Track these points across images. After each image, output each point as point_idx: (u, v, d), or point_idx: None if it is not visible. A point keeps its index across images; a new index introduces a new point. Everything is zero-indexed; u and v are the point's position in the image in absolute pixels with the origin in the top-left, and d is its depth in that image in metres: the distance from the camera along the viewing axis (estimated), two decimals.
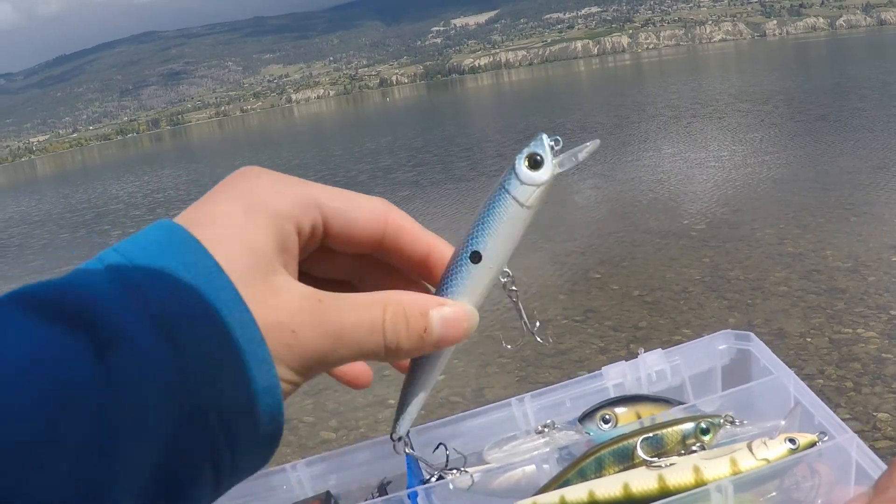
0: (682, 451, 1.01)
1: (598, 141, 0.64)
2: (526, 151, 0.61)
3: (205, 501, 0.47)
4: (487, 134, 25.73)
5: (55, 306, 0.42)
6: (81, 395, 0.39)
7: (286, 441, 5.33)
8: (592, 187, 12.54)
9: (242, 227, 0.49)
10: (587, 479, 1.06)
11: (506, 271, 0.66)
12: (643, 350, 1.43)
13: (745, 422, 1.06)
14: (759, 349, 1.21)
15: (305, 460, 1.45)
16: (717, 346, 1.30)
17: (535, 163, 0.61)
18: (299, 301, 0.49)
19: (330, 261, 0.60)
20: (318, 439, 5.28)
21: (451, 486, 1.16)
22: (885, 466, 0.55)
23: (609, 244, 8.76)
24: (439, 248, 0.62)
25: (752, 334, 1.10)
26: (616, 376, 1.40)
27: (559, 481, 1.11)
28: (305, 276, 0.56)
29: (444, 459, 1.17)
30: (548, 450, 1.23)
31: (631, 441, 1.05)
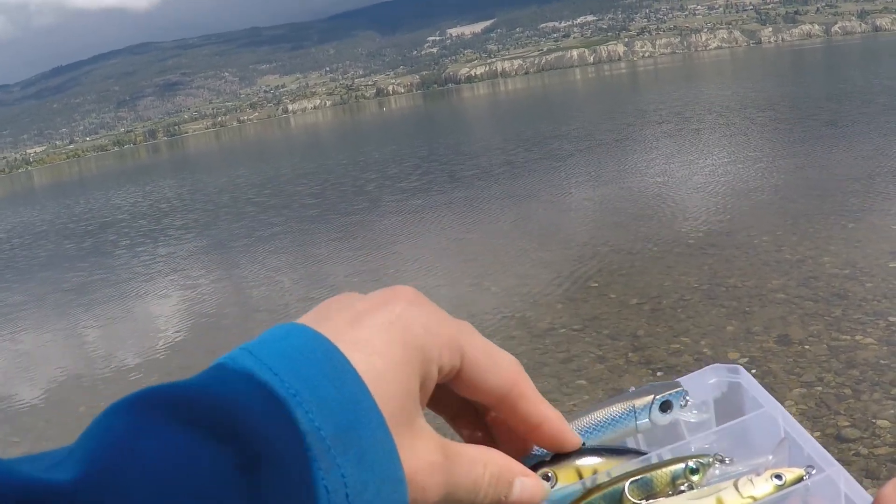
0: (671, 492, 1.02)
1: (710, 416, 0.79)
2: (662, 398, 0.76)
3: None
4: (493, 143, 25.76)
5: (196, 413, 0.41)
6: None
7: None
8: (589, 196, 12.56)
9: (399, 366, 0.48)
10: None
11: None
12: (633, 389, 1.43)
13: (733, 459, 1.06)
14: (749, 382, 1.21)
15: None
16: (708, 381, 1.29)
17: (664, 407, 0.76)
18: (433, 455, 0.50)
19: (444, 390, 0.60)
20: None
21: None
22: (870, 498, 0.57)
23: (606, 252, 8.76)
24: (552, 423, 0.64)
25: (740, 367, 1.10)
26: None
27: None
28: None
29: None
30: None
31: (619, 485, 1.05)
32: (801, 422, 1.10)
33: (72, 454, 0.38)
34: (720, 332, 5.75)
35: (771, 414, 1.04)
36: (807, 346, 5.17)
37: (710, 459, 1.01)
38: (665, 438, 1.16)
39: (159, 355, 8.28)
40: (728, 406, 1.20)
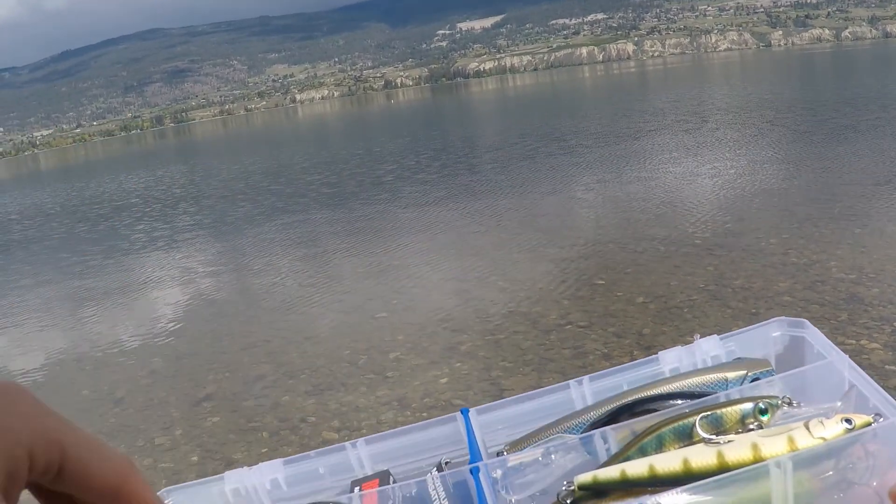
0: (740, 430, 1.03)
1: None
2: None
3: None
4: (509, 137, 25.66)
5: None
6: None
7: (287, 441, 5.35)
8: (597, 193, 12.56)
9: None
10: (648, 456, 1.08)
11: None
12: (699, 336, 1.45)
13: (801, 403, 1.07)
14: (814, 335, 1.23)
15: (365, 438, 1.50)
16: (772, 333, 1.31)
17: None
18: None
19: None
20: (319, 439, 5.29)
21: (508, 463, 1.20)
22: None
23: (613, 250, 8.78)
24: None
25: (806, 321, 1.12)
26: (672, 361, 1.43)
27: (620, 457, 1.14)
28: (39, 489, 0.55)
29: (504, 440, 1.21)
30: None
31: (690, 419, 1.07)
32: None
33: None
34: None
35: (836, 365, 1.06)
36: None
37: (779, 401, 1.03)
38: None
39: (183, 341, 8.33)
40: (792, 357, 1.22)
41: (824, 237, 8.01)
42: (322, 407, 5.79)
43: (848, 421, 0.97)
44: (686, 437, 1.07)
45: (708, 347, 1.41)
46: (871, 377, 1.08)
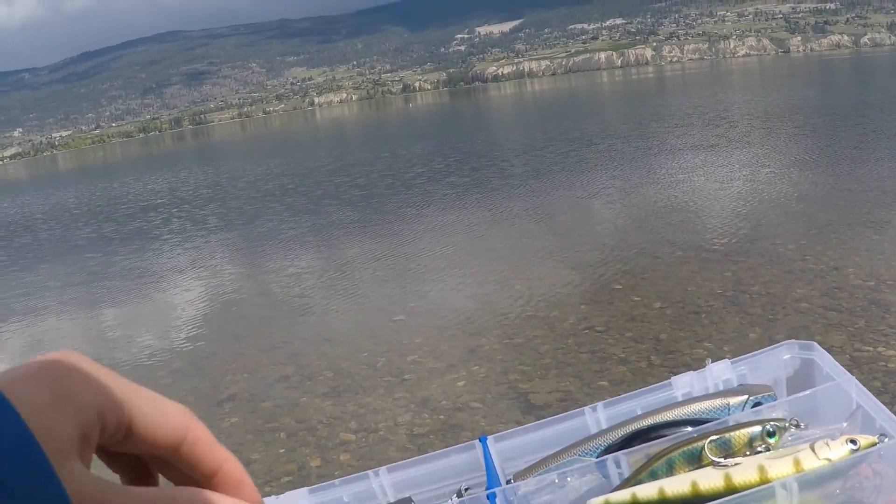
0: (748, 453, 1.06)
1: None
2: (755, 399, 0.86)
3: None
4: (536, 141, 25.57)
5: None
6: None
7: (304, 441, 5.39)
8: (615, 198, 12.56)
9: (45, 410, 0.48)
10: (658, 479, 1.12)
11: None
12: (710, 361, 1.49)
13: (808, 425, 1.10)
14: (822, 357, 1.26)
15: (387, 467, 1.55)
16: (782, 357, 1.34)
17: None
18: (84, 488, 0.49)
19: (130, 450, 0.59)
20: (337, 440, 5.32)
21: (523, 489, 1.24)
22: None
23: (631, 255, 8.79)
24: (231, 463, 0.63)
25: (815, 344, 1.15)
26: (684, 386, 1.47)
27: (632, 481, 1.18)
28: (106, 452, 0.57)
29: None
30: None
31: (699, 443, 1.11)
32: None
33: None
34: (743, 339, 5.77)
35: (843, 387, 1.10)
36: None
37: (787, 424, 1.07)
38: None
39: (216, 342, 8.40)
40: (802, 380, 1.26)
41: (843, 243, 8.00)
42: (340, 408, 5.83)
43: (853, 441, 1.00)
44: (695, 461, 1.11)
45: (719, 372, 1.44)
46: (889, 384, 1.12)
